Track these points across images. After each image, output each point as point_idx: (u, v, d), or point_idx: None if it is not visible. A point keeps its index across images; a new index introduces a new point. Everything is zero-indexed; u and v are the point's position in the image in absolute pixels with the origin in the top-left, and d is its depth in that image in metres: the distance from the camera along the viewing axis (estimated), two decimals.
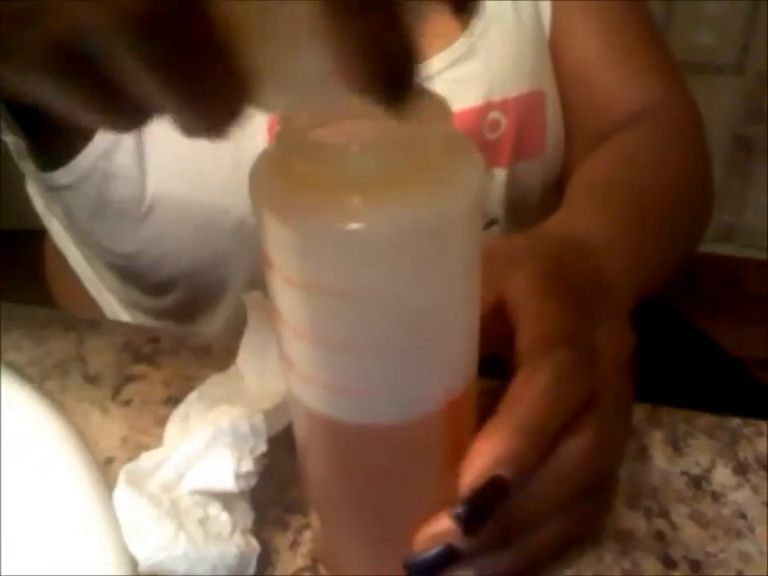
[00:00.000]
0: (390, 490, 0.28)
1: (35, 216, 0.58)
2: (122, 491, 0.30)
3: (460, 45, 0.48)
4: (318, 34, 0.17)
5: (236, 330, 0.38)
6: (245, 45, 0.17)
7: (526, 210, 0.55)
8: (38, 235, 0.63)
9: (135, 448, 0.38)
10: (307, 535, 0.33)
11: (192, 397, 0.35)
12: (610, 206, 0.42)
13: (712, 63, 1.42)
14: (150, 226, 0.47)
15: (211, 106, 0.18)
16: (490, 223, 0.53)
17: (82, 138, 0.46)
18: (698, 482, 0.35)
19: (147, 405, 0.40)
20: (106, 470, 0.36)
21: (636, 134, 0.51)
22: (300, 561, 0.33)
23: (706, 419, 0.38)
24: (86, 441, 0.36)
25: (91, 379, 0.42)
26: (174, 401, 0.39)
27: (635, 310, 0.36)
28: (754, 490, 0.35)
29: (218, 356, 0.43)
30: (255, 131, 0.44)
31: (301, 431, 0.28)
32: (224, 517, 0.31)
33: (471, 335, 0.26)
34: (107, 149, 0.45)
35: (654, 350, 0.42)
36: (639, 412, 0.38)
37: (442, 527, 0.27)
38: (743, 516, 0.34)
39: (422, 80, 0.17)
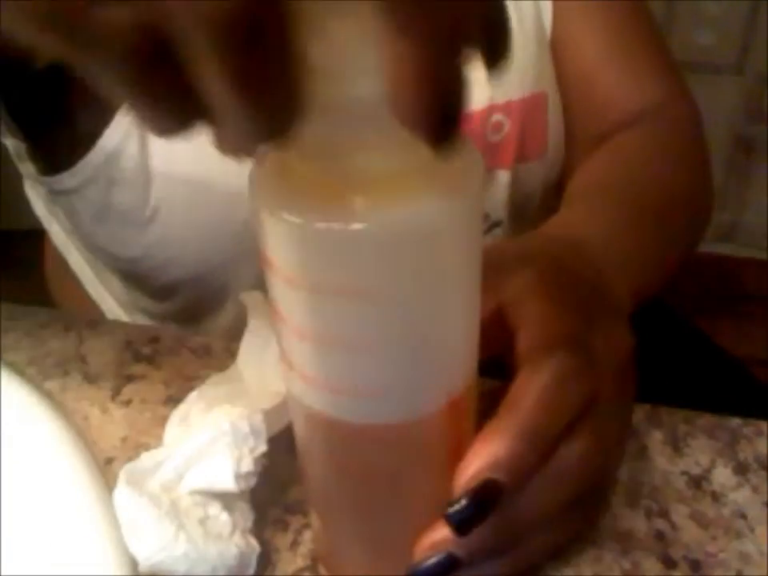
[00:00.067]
0: (390, 490, 0.28)
1: (35, 216, 0.58)
2: (122, 491, 0.30)
3: None
4: (383, 57, 0.17)
5: (236, 330, 0.38)
6: (308, 58, 0.17)
7: (528, 211, 0.55)
8: (37, 235, 0.63)
9: (135, 448, 0.38)
10: (307, 535, 0.33)
11: (192, 397, 0.35)
12: (608, 207, 0.42)
13: (712, 63, 1.42)
14: (155, 230, 0.47)
15: (267, 117, 0.17)
16: (494, 226, 0.53)
17: (86, 142, 0.45)
18: (698, 482, 0.35)
19: (147, 405, 0.40)
20: (106, 470, 0.36)
21: (636, 135, 0.51)
22: (300, 561, 0.33)
23: (706, 419, 0.38)
24: (85, 441, 0.36)
25: (91, 379, 0.42)
26: (174, 401, 0.39)
27: (635, 310, 0.36)
28: (754, 489, 0.35)
29: (218, 356, 0.43)
30: None
31: (301, 431, 0.28)
32: (224, 517, 0.31)
33: (472, 335, 0.26)
34: (111, 153, 0.45)
35: (654, 349, 0.42)
36: (639, 412, 0.38)
37: (441, 535, 0.27)
38: (743, 516, 0.34)
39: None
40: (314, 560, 0.33)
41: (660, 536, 0.33)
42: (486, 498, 0.26)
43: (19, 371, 0.40)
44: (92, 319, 0.47)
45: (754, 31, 1.38)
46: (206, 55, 0.16)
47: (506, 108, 0.50)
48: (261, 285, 0.26)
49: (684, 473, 0.36)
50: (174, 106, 0.18)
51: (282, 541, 0.33)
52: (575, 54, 0.53)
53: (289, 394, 0.28)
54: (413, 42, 0.16)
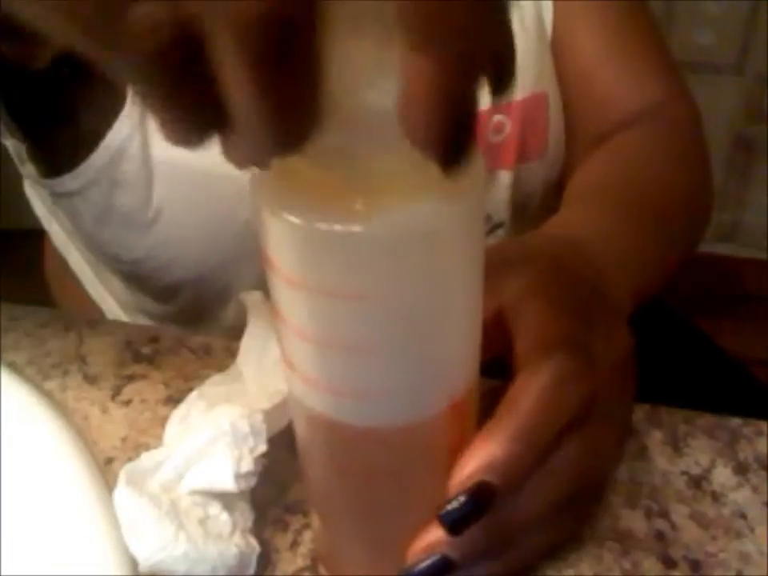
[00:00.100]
0: (391, 492, 0.28)
1: (35, 216, 0.58)
2: (122, 491, 0.30)
3: None
4: (399, 71, 0.17)
5: (236, 330, 0.38)
6: (328, 69, 0.17)
7: (529, 211, 0.55)
8: (37, 235, 0.63)
9: (135, 448, 0.38)
10: (307, 535, 0.33)
11: (192, 397, 0.35)
12: (608, 207, 0.42)
13: (712, 63, 1.42)
14: (157, 231, 0.47)
15: (287, 128, 0.17)
16: (496, 227, 0.53)
17: (88, 144, 0.45)
18: (698, 482, 0.35)
19: (147, 405, 0.40)
20: (106, 470, 0.36)
21: (636, 134, 0.51)
22: (300, 561, 0.33)
23: (706, 419, 0.38)
24: (85, 441, 0.36)
25: (91, 379, 0.42)
26: (174, 401, 0.39)
27: (635, 310, 0.36)
28: (754, 490, 0.35)
29: (218, 356, 0.43)
30: None
31: (301, 432, 0.28)
32: (224, 517, 0.31)
33: (474, 337, 0.26)
34: (113, 156, 0.45)
35: (654, 349, 0.42)
36: (639, 412, 0.38)
37: (435, 536, 0.27)
38: (743, 516, 0.34)
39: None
40: (314, 560, 0.33)
41: (660, 536, 0.33)
42: (479, 499, 0.26)
43: (19, 371, 0.40)
44: (92, 319, 0.47)
45: (753, 31, 1.38)
46: (235, 60, 0.16)
47: (507, 108, 0.50)
48: (263, 285, 0.26)
49: (684, 473, 0.36)
50: (197, 114, 0.18)
51: (282, 541, 0.33)
52: (576, 53, 0.53)
53: (290, 395, 0.28)
54: (431, 61, 0.16)
